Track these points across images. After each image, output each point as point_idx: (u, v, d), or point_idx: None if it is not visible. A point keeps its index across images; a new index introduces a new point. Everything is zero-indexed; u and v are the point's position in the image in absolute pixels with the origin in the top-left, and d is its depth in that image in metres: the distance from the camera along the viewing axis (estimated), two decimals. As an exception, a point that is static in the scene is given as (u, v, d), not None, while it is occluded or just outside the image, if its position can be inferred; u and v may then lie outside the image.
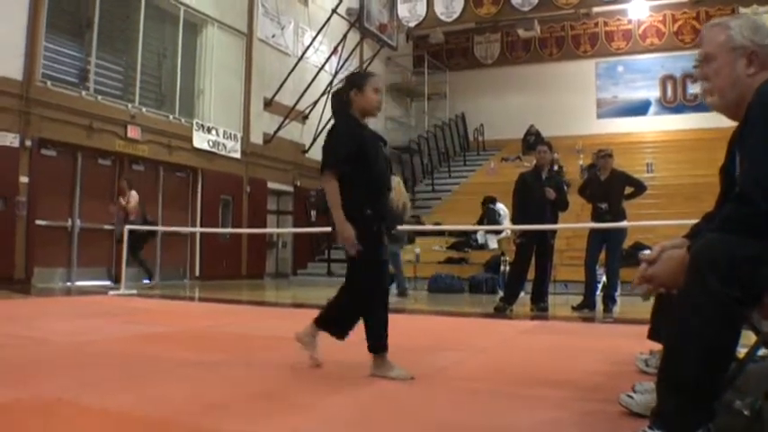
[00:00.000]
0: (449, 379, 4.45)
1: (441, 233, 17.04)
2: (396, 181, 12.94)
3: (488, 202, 15.90)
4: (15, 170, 13.08)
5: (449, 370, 4.81)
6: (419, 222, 18.81)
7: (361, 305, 4.49)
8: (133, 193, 13.37)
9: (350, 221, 4.22)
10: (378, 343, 4.38)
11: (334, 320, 4.65)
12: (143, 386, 3.94)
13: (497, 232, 15.50)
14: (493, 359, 5.40)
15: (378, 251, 4.39)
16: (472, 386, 4.16)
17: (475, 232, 16.29)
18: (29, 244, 13.25)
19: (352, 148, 4.28)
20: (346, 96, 4.49)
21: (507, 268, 12.37)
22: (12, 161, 13.03)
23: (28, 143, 13.29)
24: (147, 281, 13.48)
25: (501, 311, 9.42)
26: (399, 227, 11.95)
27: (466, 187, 22.68)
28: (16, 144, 13.11)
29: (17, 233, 13.12)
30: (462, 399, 3.79)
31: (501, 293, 10.86)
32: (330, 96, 4.58)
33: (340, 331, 4.62)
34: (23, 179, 13.22)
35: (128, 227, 12.84)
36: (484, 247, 16.22)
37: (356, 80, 4.55)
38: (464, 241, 16.64)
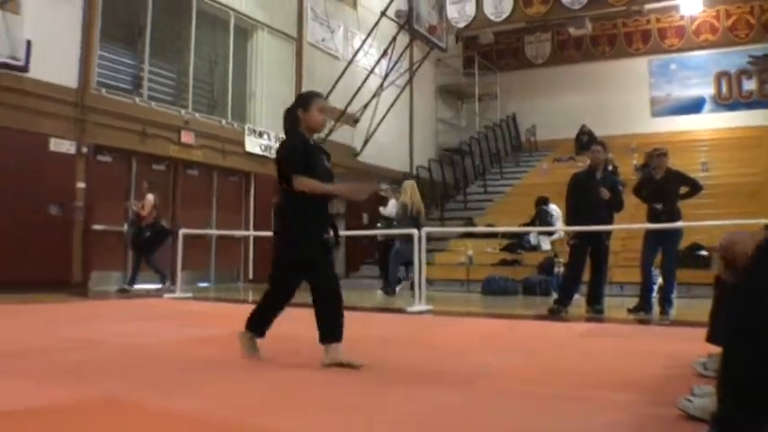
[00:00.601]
0: (503, 381, 4.39)
1: (493, 235, 16.91)
2: (410, 186, 12.98)
3: (541, 202, 15.72)
4: (72, 176, 13.35)
5: (503, 373, 4.75)
6: (471, 224, 18.74)
7: (328, 303, 4.79)
8: (149, 196, 13.18)
9: (296, 227, 4.76)
10: (339, 332, 4.74)
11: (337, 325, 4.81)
12: (200, 387, 3.98)
13: (550, 233, 15.34)
14: (547, 362, 5.33)
15: (325, 254, 4.80)
16: (526, 389, 4.10)
17: (528, 234, 16.14)
18: (85, 248, 13.47)
19: (303, 160, 4.69)
20: (294, 114, 4.89)
21: (561, 270, 12.23)
22: (69, 167, 13.29)
23: (84, 150, 13.54)
24: (160, 284, 13.22)
25: (555, 314, 9.28)
26: (417, 229, 12.12)
27: (518, 188, 22.47)
28: (73, 151, 13.35)
29: (74, 238, 13.38)
30: (516, 402, 3.74)
31: (555, 295, 10.72)
32: (283, 113, 5.00)
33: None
34: (80, 185, 13.47)
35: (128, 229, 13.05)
36: (537, 248, 16.05)
37: (303, 100, 4.93)
38: (517, 243, 16.48)
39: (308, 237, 4.75)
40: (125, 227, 13.48)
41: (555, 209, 15.07)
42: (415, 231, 10.44)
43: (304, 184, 4.63)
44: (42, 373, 4.30)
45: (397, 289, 13.05)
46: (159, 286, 13.10)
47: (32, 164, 12.62)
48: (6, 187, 12.18)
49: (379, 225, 13.34)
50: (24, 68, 12.27)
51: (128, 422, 3.15)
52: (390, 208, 13.26)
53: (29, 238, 12.44)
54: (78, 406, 3.40)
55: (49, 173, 12.91)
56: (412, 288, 11.20)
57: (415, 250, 10.19)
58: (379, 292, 13.16)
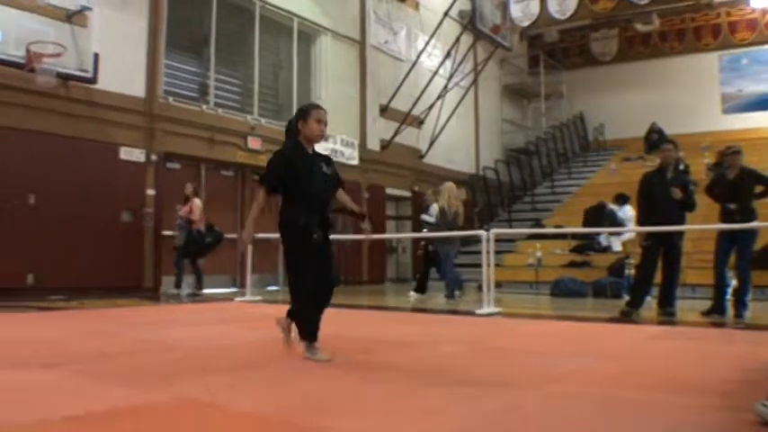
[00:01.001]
0: (572, 384, 4.32)
1: (562, 236, 16.69)
2: (447, 189, 12.86)
3: (620, 199, 15.43)
4: (142, 183, 13.61)
5: (574, 375, 4.68)
6: (539, 225, 18.52)
7: (297, 300, 5.26)
8: (197, 201, 13.26)
9: (288, 227, 5.10)
10: (303, 332, 5.16)
11: (312, 325, 5.21)
12: (270, 388, 4.05)
13: (621, 234, 15.05)
14: (619, 365, 5.21)
15: (310, 252, 5.05)
16: (595, 391, 4.03)
17: (598, 235, 15.87)
18: (156, 253, 13.69)
19: (283, 171, 5.10)
20: (295, 125, 5.25)
21: (632, 272, 12.00)
22: (139, 175, 13.56)
23: (153, 157, 13.79)
24: (187, 290, 13.30)
25: (627, 316, 9.09)
26: (451, 231, 12.21)
27: (587, 189, 22.11)
28: (142, 159, 13.60)
29: (145, 244, 13.63)
30: (585, 404, 3.68)
31: (626, 298, 10.52)
32: (286, 124, 5.44)
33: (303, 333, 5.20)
34: (150, 192, 13.72)
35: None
36: (608, 249, 15.78)
37: (302, 112, 5.25)
38: (587, 244, 16.22)
39: (291, 227, 5.10)
40: (178, 231, 13.47)
41: (628, 209, 14.77)
42: (483, 233, 10.35)
43: (258, 198, 5.24)
44: (121, 376, 4.42)
45: (456, 294, 12.88)
46: (193, 291, 13.24)
47: (104, 173, 12.91)
48: (81, 196, 12.49)
49: (424, 230, 13.27)
50: (93, 80, 12.53)
51: (200, 422, 3.22)
52: (432, 212, 13.20)
53: (103, 245, 12.73)
54: (153, 407, 3.49)
55: (120, 181, 13.21)
56: (480, 290, 11.10)
57: (483, 252, 10.09)
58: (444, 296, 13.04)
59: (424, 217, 13.51)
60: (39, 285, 11.65)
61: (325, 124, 5.28)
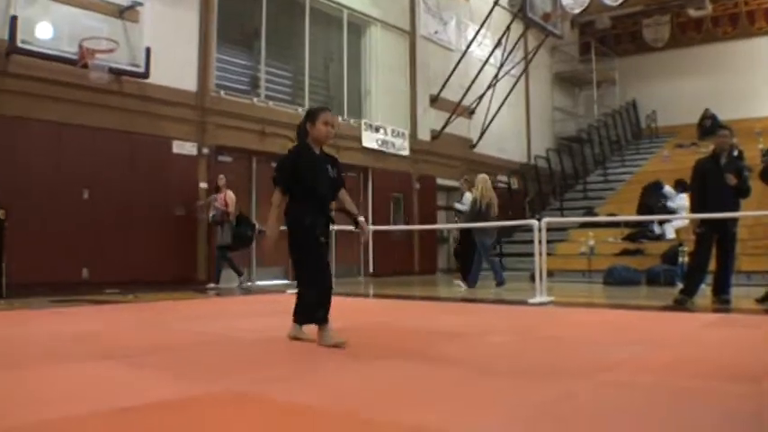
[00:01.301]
0: (626, 373, 4.23)
1: (615, 224, 16.46)
2: (481, 180, 12.85)
3: (679, 186, 15.18)
4: (195, 177, 13.69)
5: (627, 364, 4.58)
6: (591, 213, 18.29)
7: (308, 291, 5.47)
8: (230, 193, 13.23)
9: (294, 226, 5.31)
10: (315, 316, 5.34)
11: (303, 311, 5.53)
12: (323, 380, 4.00)
13: (674, 221, 14.80)
14: (673, 353, 5.12)
15: (313, 250, 5.30)
16: (649, 380, 3.95)
17: (651, 223, 15.63)
18: (210, 246, 13.73)
19: (292, 171, 5.31)
20: (304, 127, 5.43)
21: (686, 259, 11.78)
22: (191, 169, 13.64)
23: (205, 151, 13.86)
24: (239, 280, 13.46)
25: (681, 304, 8.93)
26: (486, 222, 12.33)
27: (639, 176, 21.69)
28: (194, 152, 13.68)
29: (198, 236, 13.69)
30: (640, 393, 3.59)
31: (680, 286, 10.31)
32: (297, 128, 5.63)
33: (315, 318, 5.37)
34: (202, 185, 13.80)
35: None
36: (661, 237, 15.54)
37: (310, 114, 5.43)
38: (640, 232, 15.99)
39: (299, 224, 5.30)
40: (212, 223, 13.38)
41: (684, 196, 14.50)
42: (534, 222, 10.25)
43: (275, 198, 5.37)
44: (175, 368, 4.43)
45: (464, 287, 12.88)
46: (214, 285, 13.17)
47: (157, 166, 13.02)
48: (134, 190, 12.62)
49: (456, 220, 13.23)
50: (145, 75, 12.61)
51: (255, 416, 3.18)
52: (465, 201, 13.19)
53: (156, 239, 12.87)
54: (207, 399, 3.47)
55: (172, 174, 13.31)
56: (532, 279, 10.98)
57: (535, 241, 9.98)
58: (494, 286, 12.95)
59: (457, 205, 13.63)
60: (93, 279, 11.78)
61: (333, 126, 5.46)
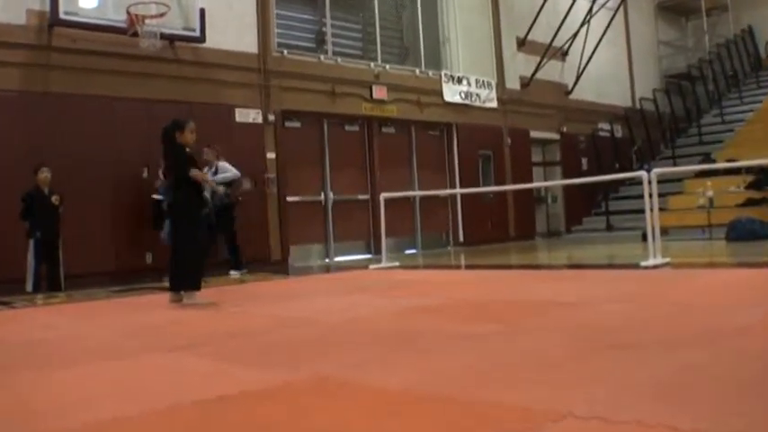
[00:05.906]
0: (754, 340, 4.09)
1: (737, 171, 15.84)
2: None
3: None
4: (261, 147, 13.62)
5: (753, 328, 4.44)
6: (709, 160, 17.69)
7: (185, 256, 7.49)
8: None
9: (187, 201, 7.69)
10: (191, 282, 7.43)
11: (179, 278, 7.48)
12: (416, 362, 3.99)
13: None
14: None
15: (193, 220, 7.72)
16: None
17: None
18: (282, 222, 13.71)
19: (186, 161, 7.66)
20: (173, 134, 7.57)
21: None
22: (256, 138, 13.57)
23: (271, 117, 13.77)
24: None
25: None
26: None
27: (762, 114, 20.95)
28: (259, 120, 13.60)
29: (269, 212, 13.64)
30: (755, 362, 3.47)
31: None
32: (162, 131, 7.73)
33: (191, 284, 7.42)
34: (270, 155, 13.73)
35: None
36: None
37: (178, 125, 7.60)
38: (765, 178, 15.39)
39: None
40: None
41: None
42: (643, 174, 9.88)
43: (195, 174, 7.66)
44: (251, 355, 4.54)
45: None
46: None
47: (220, 138, 12.83)
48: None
49: None
50: (200, 39, 12.57)
51: (345, 404, 3.17)
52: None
53: (223, 217, 12.80)
54: (291, 386, 3.52)
55: (237, 146, 13.05)
56: (644, 239, 10.65)
57: (645, 195, 9.60)
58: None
59: None
60: (158, 264, 11.82)
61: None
